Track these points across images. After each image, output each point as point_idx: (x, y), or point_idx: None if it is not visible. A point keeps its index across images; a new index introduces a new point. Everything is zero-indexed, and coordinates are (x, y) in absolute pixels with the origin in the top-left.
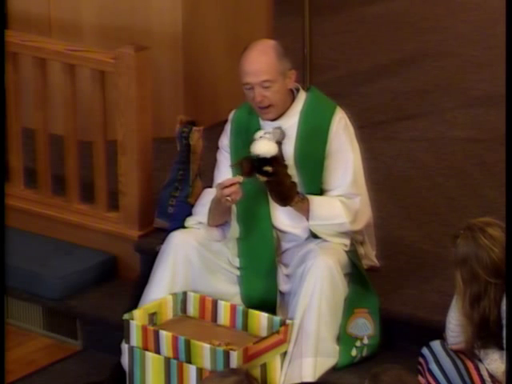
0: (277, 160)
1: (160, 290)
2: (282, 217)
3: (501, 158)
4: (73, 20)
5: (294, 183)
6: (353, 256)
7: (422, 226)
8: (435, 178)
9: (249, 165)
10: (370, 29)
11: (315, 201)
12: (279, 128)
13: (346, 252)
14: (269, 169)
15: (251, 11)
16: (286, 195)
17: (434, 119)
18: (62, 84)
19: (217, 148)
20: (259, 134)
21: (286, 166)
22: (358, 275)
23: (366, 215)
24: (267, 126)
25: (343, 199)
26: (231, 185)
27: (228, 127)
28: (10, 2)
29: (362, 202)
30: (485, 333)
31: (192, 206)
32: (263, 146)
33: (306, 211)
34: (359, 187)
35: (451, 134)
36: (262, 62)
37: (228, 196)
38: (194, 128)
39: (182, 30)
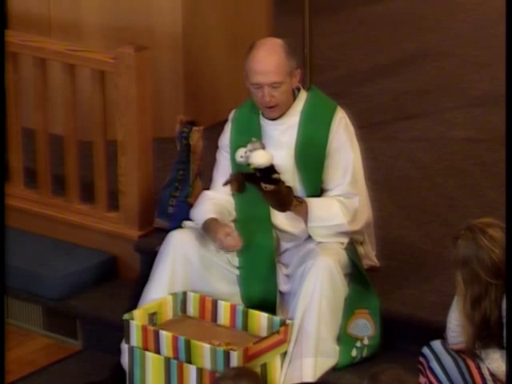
0: (276, 168)
1: (159, 290)
2: (282, 216)
3: (501, 158)
4: (73, 20)
5: (289, 188)
6: (353, 255)
7: (422, 225)
8: (435, 178)
9: (240, 180)
10: (370, 29)
11: (313, 203)
12: (257, 141)
13: (346, 251)
14: (277, 176)
15: (251, 11)
16: (285, 201)
17: (434, 119)
18: (62, 84)
19: (217, 148)
20: (240, 153)
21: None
22: (358, 275)
23: (365, 215)
24: (268, 126)
25: (342, 199)
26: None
27: (228, 127)
28: (10, 2)
29: (361, 202)
30: (485, 333)
31: (192, 205)
32: (262, 156)
33: (304, 214)
34: (358, 187)
35: (451, 134)
36: (271, 62)
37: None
38: (194, 128)
39: (182, 30)
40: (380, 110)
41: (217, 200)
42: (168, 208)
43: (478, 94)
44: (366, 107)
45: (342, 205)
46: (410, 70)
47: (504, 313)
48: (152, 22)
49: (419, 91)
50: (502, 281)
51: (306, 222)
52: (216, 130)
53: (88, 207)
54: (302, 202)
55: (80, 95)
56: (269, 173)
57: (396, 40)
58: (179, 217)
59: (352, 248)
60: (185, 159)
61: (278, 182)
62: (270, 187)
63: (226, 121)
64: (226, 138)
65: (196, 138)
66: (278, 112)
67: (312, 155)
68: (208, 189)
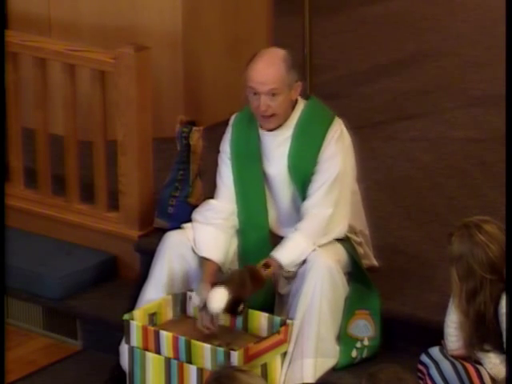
0: (235, 290)
1: (157, 290)
2: (281, 225)
3: (501, 158)
4: (73, 20)
5: (245, 271)
6: (353, 252)
7: (422, 225)
8: (435, 178)
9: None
10: (370, 29)
11: (280, 255)
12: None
13: (346, 248)
14: (240, 307)
15: (251, 11)
16: (256, 283)
17: (434, 119)
18: (62, 84)
19: (217, 149)
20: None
21: (232, 278)
22: (359, 274)
23: (338, 228)
24: (265, 136)
25: (313, 212)
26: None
27: (229, 132)
28: (10, 1)
29: (333, 216)
30: (482, 331)
31: (192, 205)
32: (216, 301)
33: (278, 268)
34: (334, 200)
35: (451, 134)
36: (269, 73)
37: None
38: (194, 128)
39: (181, 30)
40: (380, 110)
41: (219, 217)
42: (168, 208)
43: (478, 94)
44: (366, 107)
45: (305, 237)
46: (410, 70)
47: (502, 318)
48: (152, 22)
49: (419, 91)
50: (496, 276)
51: (283, 271)
52: (216, 130)
53: (88, 207)
54: (269, 265)
55: (80, 95)
56: (231, 309)
57: (396, 40)
58: (179, 217)
59: (352, 246)
60: (185, 159)
61: (243, 309)
62: (240, 315)
63: (226, 121)
64: (227, 145)
65: (196, 137)
66: (274, 123)
67: (303, 167)
68: (208, 189)
